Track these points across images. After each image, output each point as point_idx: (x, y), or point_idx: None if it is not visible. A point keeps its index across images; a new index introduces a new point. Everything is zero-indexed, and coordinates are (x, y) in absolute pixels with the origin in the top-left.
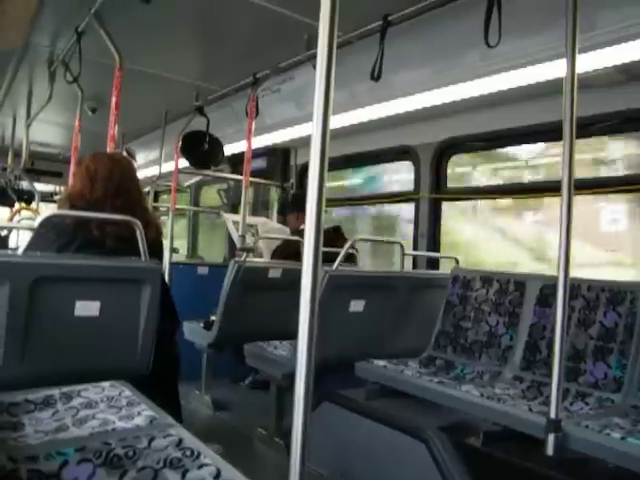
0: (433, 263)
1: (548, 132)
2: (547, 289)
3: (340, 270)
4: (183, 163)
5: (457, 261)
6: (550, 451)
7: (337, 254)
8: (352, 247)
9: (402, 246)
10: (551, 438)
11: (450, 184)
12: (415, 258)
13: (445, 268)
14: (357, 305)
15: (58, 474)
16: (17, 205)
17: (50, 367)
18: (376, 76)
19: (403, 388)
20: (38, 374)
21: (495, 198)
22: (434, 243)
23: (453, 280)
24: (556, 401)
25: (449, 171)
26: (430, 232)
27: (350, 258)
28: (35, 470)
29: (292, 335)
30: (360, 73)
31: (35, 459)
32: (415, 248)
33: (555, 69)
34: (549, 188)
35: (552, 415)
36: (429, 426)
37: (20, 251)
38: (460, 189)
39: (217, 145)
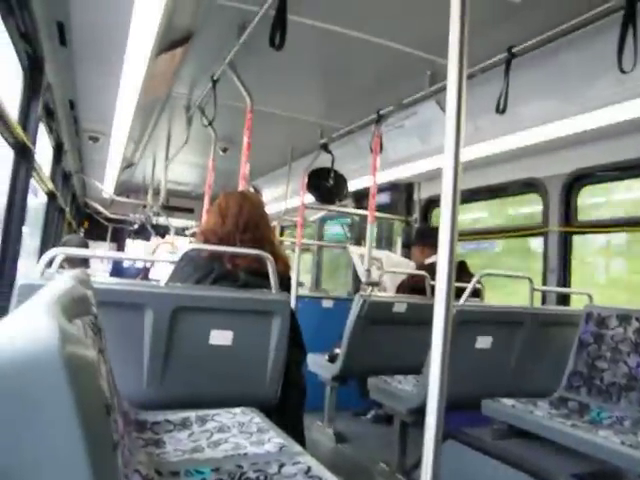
0: (563, 299)
1: None
2: None
3: (467, 305)
4: (308, 198)
5: (590, 297)
6: None
7: (463, 289)
8: (478, 282)
9: (531, 281)
10: None
11: (581, 217)
12: (544, 294)
13: (576, 304)
14: (484, 341)
15: None
16: (154, 239)
17: (186, 391)
18: (501, 109)
19: (533, 429)
20: (175, 396)
21: (633, 231)
22: (564, 278)
23: (586, 317)
24: None
25: (579, 203)
26: (560, 267)
27: (475, 293)
28: None
29: (416, 370)
30: (484, 106)
31: (177, 474)
32: (544, 283)
33: None
34: None
35: None
36: (562, 473)
37: (162, 282)
38: (593, 222)
39: (342, 181)
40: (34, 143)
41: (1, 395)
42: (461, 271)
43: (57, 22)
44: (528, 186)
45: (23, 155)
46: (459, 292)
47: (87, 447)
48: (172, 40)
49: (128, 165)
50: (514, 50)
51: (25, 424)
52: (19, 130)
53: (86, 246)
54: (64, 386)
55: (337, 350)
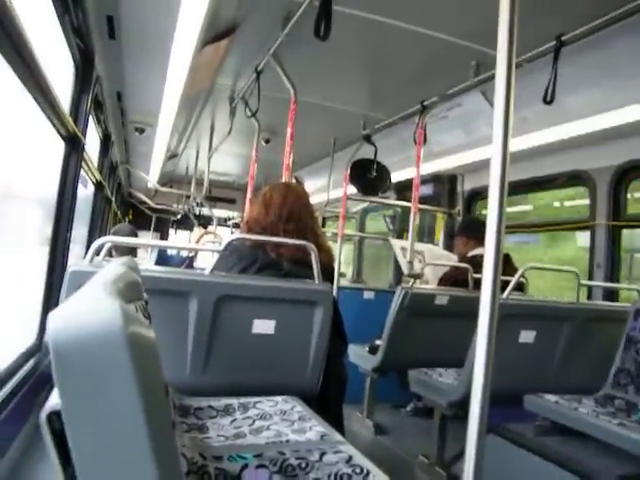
0: (610, 295)
1: None
2: None
3: (511, 299)
4: (350, 190)
5: None
6: None
7: (507, 283)
8: (522, 276)
9: (578, 275)
10: None
11: (630, 210)
12: (590, 289)
13: (624, 300)
14: (527, 336)
15: (239, 475)
16: (196, 229)
17: (228, 378)
18: (549, 99)
19: (577, 427)
20: (217, 384)
21: None
22: (612, 273)
23: (635, 314)
24: None
25: (629, 196)
26: (608, 261)
27: (519, 287)
28: (220, 469)
29: (457, 363)
30: (531, 96)
31: (220, 459)
32: (590, 278)
33: None
34: None
35: None
36: (608, 473)
37: (207, 271)
38: None
39: (384, 172)
40: (84, 134)
41: (71, 370)
42: (505, 264)
43: (107, 16)
44: (575, 178)
45: (73, 146)
46: (503, 285)
47: (149, 422)
48: (217, 32)
49: (172, 156)
50: (563, 38)
51: (93, 398)
52: (70, 122)
53: (135, 235)
54: (128, 363)
55: (378, 342)
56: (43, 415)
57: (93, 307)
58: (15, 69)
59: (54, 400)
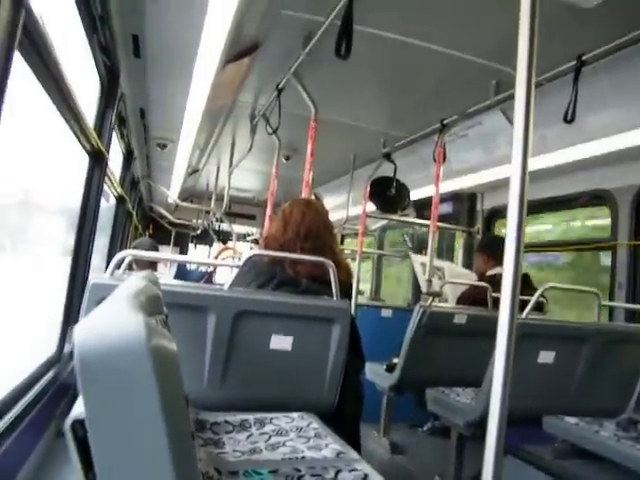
0: (632, 316)
1: None
2: None
3: (530, 319)
4: (369, 207)
5: None
6: None
7: (526, 302)
8: (541, 295)
9: (599, 296)
10: None
11: None
12: (612, 310)
13: None
14: (547, 356)
15: None
16: (215, 244)
17: (245, 393)
18: (569, 118)
19: (598, 451)
20: (234, 399)
21: None
22: (634, 294)
23: None
24: None
25: None
26: (630, 282)
27: (538, 307)
28: None
29: (475, 382)
30: (551, 115)
31: (236, 474)
32: (611, 299)
33: None
34: None
35: None
36: None
37: (226, 286)
38: None
39: (404, 190)
40: (108, 150)
41: (96, 381)
42: (524, 283)
43: (132, 35)
44: (596, 198)
45: (97, 161)
46: (522, 305)
47: (170, 432)
48: (239, 50)
49: (193, 171)
50: (584, 58)
51: (116, 408)
52: (95, 137)
53: (156, 249)
54: (151, 375)
55: (395, 360)
56: (67, 423)
57: (117, 320)
58: (44, 85)
59: (78, 409)
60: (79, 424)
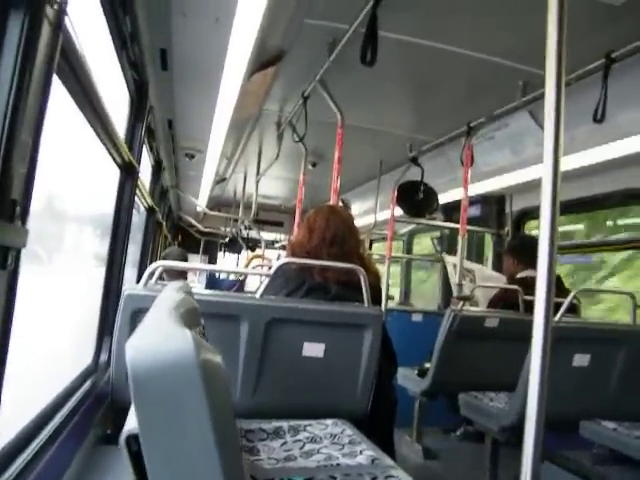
0: None
1: None
2: None
3: (564, 322)
4: (397, 212)
5: None
6: None
7: (559, 305)
8: (575, 297)
9: (634, 297)
10: None
11: None
12: None
13: None
14: (582, 359)
15: None
16: (244, 252)
17: (278, 401)
18: (599, 117)
19: (638, 456)
20: (267, 406)
21: None
22: None
23: None
24: None
25: None
26: None
27: (572, 309)
28: None
29: (509, 387)
30: (580, 115)
31: None
32: None
33: None
34: None
35: None
36: None
37: (258, 295)
38: None
39: (432, 194)
40: (139, 162)
41: (148, 396)
42: (556, 286)
43: (160, 49)
44: (630, 197)
45: (128, 173)
46: (555, 308)
47: (219, 443)
48: (265, 60)
49: (220, 180)
50: (613, 55)
51: (168, 421)
52: (126, 150)
53: (185, 259)
54: (200, 389)
55: (427, 365)
56: (122, 437)
57: (165, 336)
58: (78, 103)
59: (132, 424)
60: (133, 439)
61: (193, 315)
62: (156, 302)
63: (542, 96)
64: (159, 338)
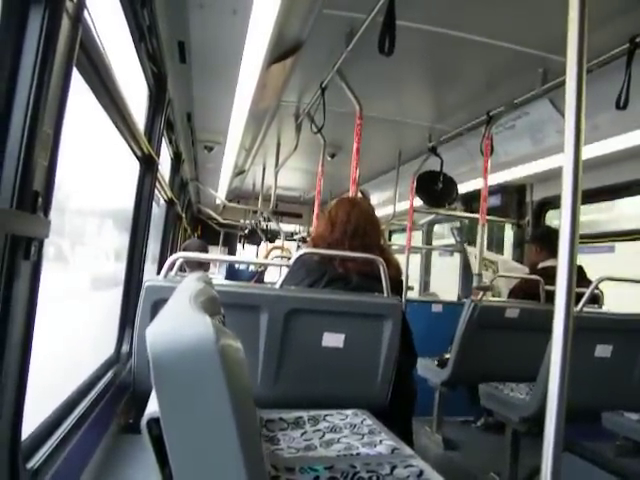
0: None
1: None
2: None
3: (586, 312)
4: (416, 202)
5: None
6: None
7: (580, 295)
8: (596, 288)
9: None
10: None
11: None
12: None
13: None
14: (604, 350)
15: None
16: (263, 244)
17: (298, 391)
18: (622, 104)
19: None
20: (287, 396)
21: None
22: None
23: None
24: None
25: None
26: None
27: (594, 299)
28: None
29: (529, 377)
30: (601, 102)
31: (292, 470)
32: None
33: None
34: None
35: None
36: None
37: (277, 285)
38: None
39: (451, 184)
40: (158, 155)
41: (169, 380)
42: (578, 276)
43: (178, 42)
44: None
45: (148, 166)
46: (576, 298)
47: (239, 428)
48: (282, 51)
49: (239, 172)
50: (637, 40)
51: (188, 406)
52: (145, 143)
53: (206, 250)
54: (220, 373)
55: (447, 355)
56: (144, 421)
57: (185, 322)
58: (98, 97)
59: (153, 408)
60: (154, 422)
61: (213, 304)
62: (176, 291)
63: (563, 83)
64: (179, 323)
